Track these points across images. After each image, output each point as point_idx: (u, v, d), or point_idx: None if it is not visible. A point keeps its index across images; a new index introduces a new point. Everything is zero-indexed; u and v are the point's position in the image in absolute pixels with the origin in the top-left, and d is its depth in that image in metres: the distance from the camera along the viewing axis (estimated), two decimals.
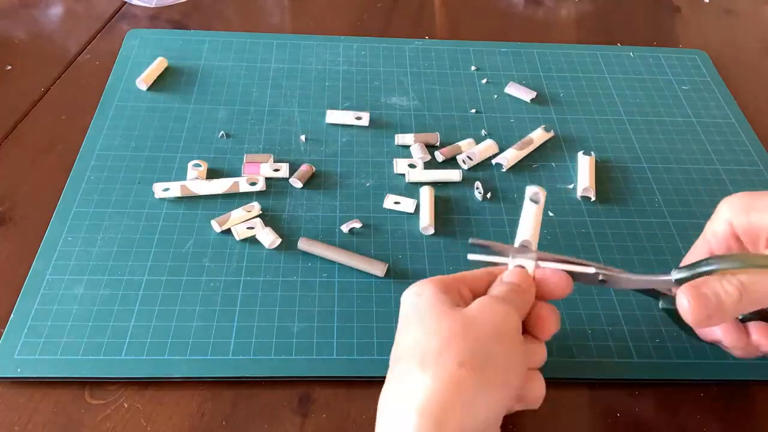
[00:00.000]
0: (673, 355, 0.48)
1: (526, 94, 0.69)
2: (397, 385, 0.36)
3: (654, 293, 0.44)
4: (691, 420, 0.46)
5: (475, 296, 0.41)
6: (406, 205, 0.57)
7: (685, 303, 0.39)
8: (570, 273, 0.41)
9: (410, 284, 0.51)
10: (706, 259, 0.40)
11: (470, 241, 0.43)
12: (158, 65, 0.68)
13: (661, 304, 0.44)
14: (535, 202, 0.44)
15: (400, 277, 0.52)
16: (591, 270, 0.41)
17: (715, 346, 0.48)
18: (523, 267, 0.42)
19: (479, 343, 0.36)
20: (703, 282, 0.39)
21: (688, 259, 0.46)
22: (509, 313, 0.38)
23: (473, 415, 0.34)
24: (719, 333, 0.43)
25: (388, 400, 0.36)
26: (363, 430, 0.44)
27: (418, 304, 0.39)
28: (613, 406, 0.46)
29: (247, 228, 0.53)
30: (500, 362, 0.36)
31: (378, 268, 0.51)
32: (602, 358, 0.48)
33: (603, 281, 0.42)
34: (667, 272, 0.41)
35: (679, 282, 0.40)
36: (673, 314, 0.42)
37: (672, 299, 0.42)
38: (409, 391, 0.35)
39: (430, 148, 0.62)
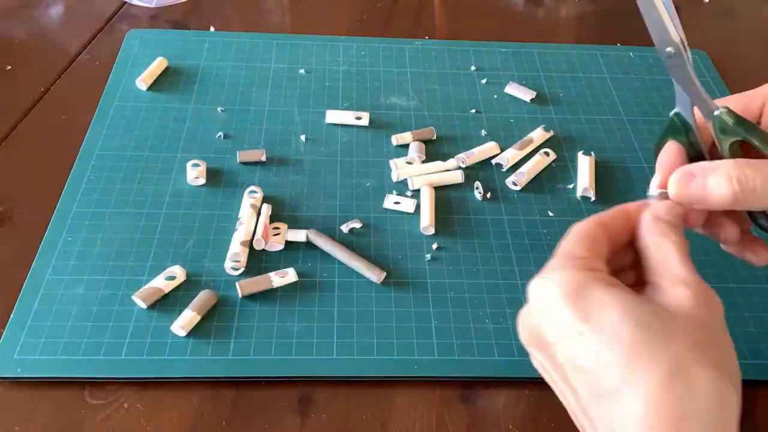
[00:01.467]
0: None
1: (526, 94, 0.69)
2: (644, 409, 0.29)
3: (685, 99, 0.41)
4: None
5: (615, 246, 0.36)
6: (406, 205, 0.57)
7: (672, 185, 0.37)
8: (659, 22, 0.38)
9: (409, 285, 0.50)
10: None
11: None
12: (158, 65, 0.68)
13: (674, 111, 0.42)
14: None
15: (400, 277, 0.52)
16: (677, 36, 0.38)
17: None
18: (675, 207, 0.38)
19: (720, 348, 0.32)
20: (699, 168, 0.37)
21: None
22: (720, 305, 0.33)
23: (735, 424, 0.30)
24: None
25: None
26: (363, 430, 0.44)
27: (622, 315, 0.31)
28: None
29: (281, 277, 0.50)
30: (734, 362, 0.32)
31: (375, 275, 0.51)
32: None
33: (671, 56, 0.39)
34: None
35: (720, 122, 0.38)
36: (673, 126, 0.42)
37: (687, 118, 0.41)
38: (674, 410, 0.29)
39: (429, 144, 0.63)
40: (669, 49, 0.38)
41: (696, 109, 0.41)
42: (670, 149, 0.40)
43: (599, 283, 0.32)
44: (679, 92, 0.42)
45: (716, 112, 0.39)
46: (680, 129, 0.41)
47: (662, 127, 0.42)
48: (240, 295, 0.49)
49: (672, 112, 0.42)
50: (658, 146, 0.42)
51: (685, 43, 0.39)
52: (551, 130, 0.65)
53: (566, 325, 0.32)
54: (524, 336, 0.36)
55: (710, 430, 0.29)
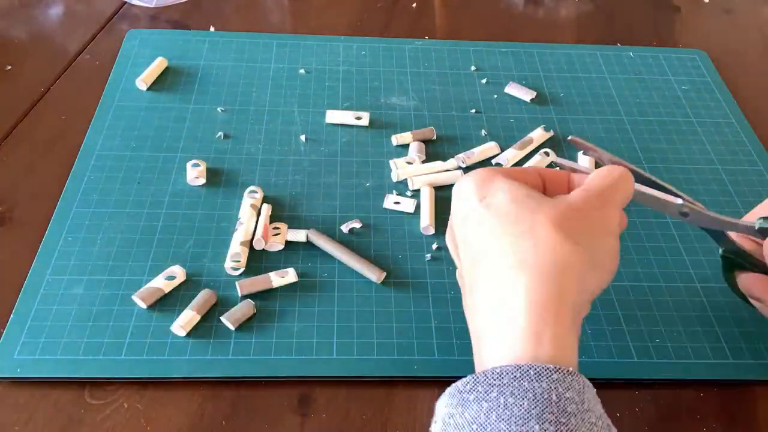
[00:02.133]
0: (673, 355, 0.48)
1: (526, 94, 0.69)
2: (499, 260, 0.35)
3: (719, 236, 0.45)
4: (691, 420, 0.46)
5: (550, 190, 0.41)
6: (406, 205, 0.57)
7: None
8: (656, 198, 0.41)
9: (409, 285, 0.51)
10: None
11: (569, 138, 0.44)
12: (158, 65, 0.68)
13: (721, 251, 0.45)
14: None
15: (400, 277, 0.52)
16: (678, 201, 0.41)
17: (714, 345, 0.48)
18: (621, 164, 0.41)
19: (588, 234, 0.37)
20: None
21: (759, 211, 0.46)
22: (615, 216, 0.38)
23: (583, 289, 0.36)
24: None
25: (487, 282, 0.36)
26: (363, 430, 0.44)
27: (507, 193, 0.38)
28: (613, 406, 0.46)
29: (281, 277, 0.50)
30: (607, 253, 0.38)
31: (375, 275, 0.51)
32: (602, 358, 0.48)
33: (684, 214, 0.42)
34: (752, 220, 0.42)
35: (762, 231, 0.41)
36: (728, 262, 0.45)
37: (733, 247, 0.44)
38: (519, 258, 0.35)
39: (429, 144, 0.63)
40: (683, 210, 0.42)
41: (733, 235, 0.44)
42: (755, 280, 0.44)
43: (501, 175, 0.39)
44: (713, 234, 0.45)
45: (758, 225, 0.42)
46: (736, 261, 0.45)
47: (720, 268, 0.47)
48: (240, 295, 0.49)
49: (720, 252, 0.45)
50: (731, 284, 0.47)
51: (686, 197, 0.42)
52: (551, 130, 0.65)
53: (468, 205, 0.38)
54: (448, 239, 0.43)
55: (545, 276, 0.34)
